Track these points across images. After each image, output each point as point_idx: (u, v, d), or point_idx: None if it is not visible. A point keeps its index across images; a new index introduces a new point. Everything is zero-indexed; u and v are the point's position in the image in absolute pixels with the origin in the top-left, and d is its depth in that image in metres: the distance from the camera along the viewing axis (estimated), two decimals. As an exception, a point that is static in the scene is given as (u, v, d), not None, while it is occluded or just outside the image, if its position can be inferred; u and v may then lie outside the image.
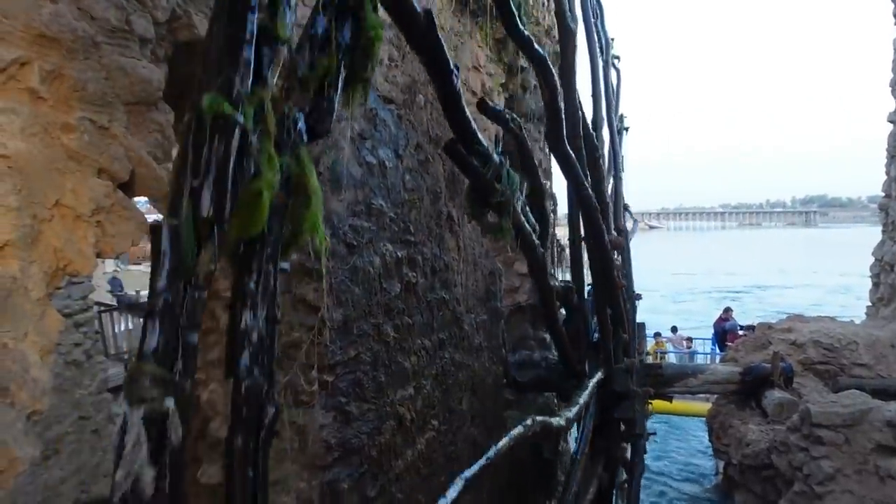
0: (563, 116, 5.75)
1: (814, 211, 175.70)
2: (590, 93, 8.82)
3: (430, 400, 5.69)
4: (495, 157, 4.43)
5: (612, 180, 9.40)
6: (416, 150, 5.56)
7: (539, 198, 5.85)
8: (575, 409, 6.06)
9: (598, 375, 7.12)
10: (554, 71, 5.46)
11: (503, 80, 8.28)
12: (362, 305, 4.52)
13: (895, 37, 12.12)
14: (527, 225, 5.35)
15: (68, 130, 2.24)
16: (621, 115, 11.26)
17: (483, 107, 4.96)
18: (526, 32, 4.93)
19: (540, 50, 5.19)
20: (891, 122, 12.16)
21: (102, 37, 2.39)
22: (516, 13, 4.63)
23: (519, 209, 4.96)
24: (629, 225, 11.35)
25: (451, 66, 3.43)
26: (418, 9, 2.92)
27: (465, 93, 6.92)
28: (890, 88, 12.10)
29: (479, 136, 4.20)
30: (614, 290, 7.37)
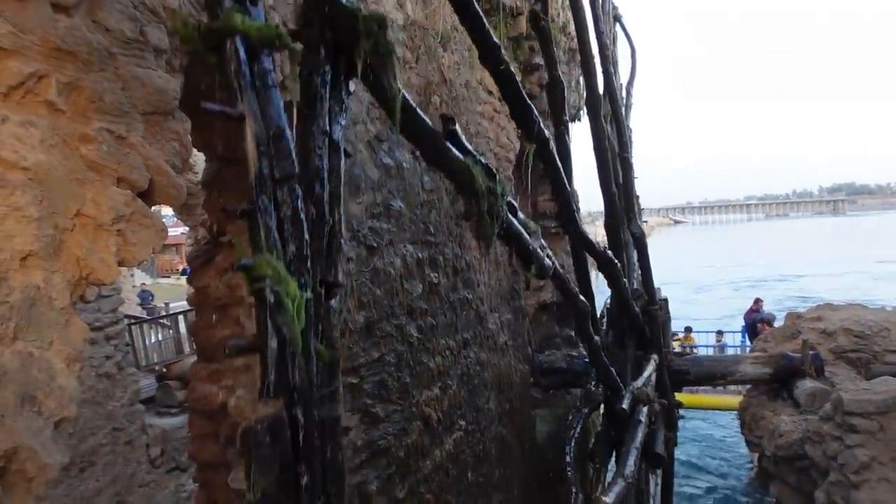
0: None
1: (842, 199, 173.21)
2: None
3: (457, 400, 5.70)
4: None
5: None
6: (433, 151, 5.57)
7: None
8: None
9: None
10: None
11: (519, 79, 8.27)
12: (384, 307, 4.53)
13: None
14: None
15: (87, 141, 2.28)
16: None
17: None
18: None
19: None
20: (916, 104, 11.98)
21: (118, 48, 2.42)
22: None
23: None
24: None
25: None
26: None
27: (481, 92, 6.94)
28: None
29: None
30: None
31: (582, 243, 5.54)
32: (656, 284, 8.73)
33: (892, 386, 6.85)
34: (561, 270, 4.15)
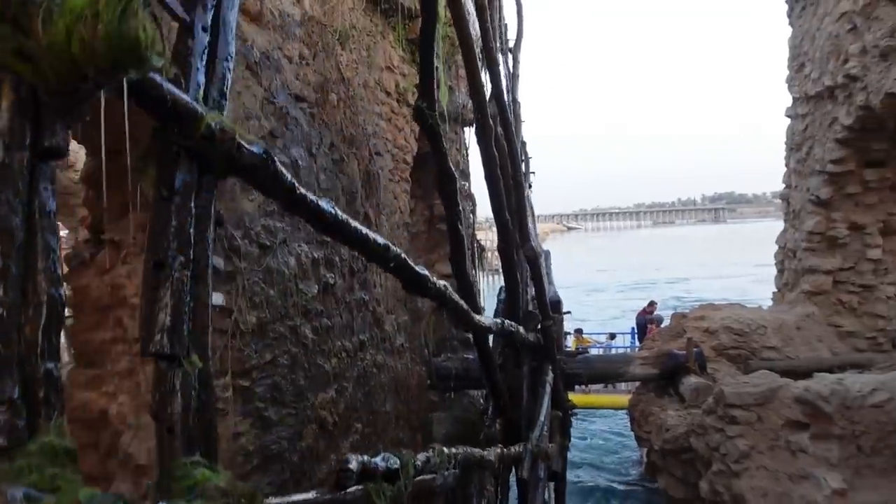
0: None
1: (722, 208, 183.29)
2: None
3: (353, 402, 5.62)
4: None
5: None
6: (330, 149, 5.48)
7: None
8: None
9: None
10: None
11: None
12: (278, 307, 4.42)
13: (790, 36, 12.73)
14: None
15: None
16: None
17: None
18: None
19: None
20: (788, 116, 12.75)
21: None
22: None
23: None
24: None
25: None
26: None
27: (379, 92, 6.90)
28: (786, 85, 12.69)
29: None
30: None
31: (482, 332, 5.65)
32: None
33: (768, 379, 7.23)
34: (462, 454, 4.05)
